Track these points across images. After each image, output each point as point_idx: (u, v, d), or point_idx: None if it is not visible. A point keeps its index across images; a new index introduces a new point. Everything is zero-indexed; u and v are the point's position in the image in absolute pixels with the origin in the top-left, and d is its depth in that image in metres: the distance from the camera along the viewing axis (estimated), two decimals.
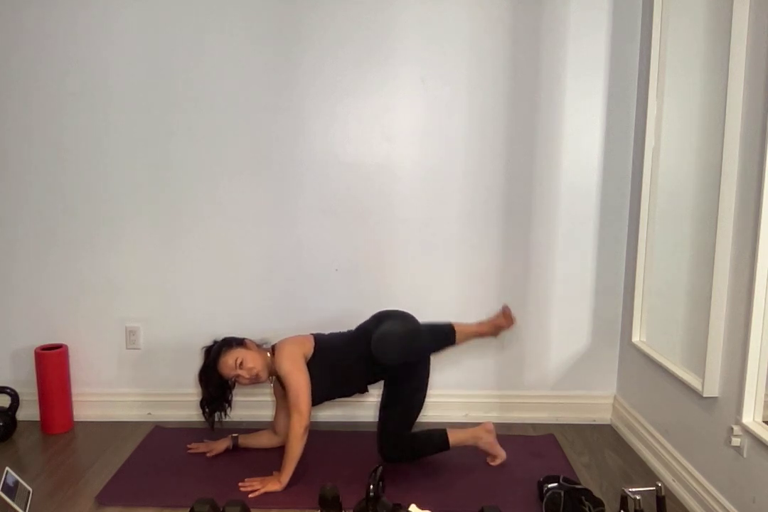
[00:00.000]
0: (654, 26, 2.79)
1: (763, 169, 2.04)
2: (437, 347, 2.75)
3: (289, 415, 2.57)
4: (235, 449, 2.85)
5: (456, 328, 2.69)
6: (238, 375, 2.63)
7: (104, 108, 3.05)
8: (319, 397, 2.66)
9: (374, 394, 2.93)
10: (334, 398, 2.77)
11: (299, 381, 2.55)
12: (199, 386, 2.73)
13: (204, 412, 2.73)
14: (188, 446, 2.88)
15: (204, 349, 2.73)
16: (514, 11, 2.99)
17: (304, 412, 2.52)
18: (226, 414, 2.75)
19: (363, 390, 2.77)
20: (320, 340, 2.71)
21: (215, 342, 2.72)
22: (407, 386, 2.70)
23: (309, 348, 2.67)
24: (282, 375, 2.59)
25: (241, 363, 2.61)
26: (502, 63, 3.02)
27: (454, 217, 3.12)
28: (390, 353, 2.54)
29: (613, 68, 3.03)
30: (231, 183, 3.10)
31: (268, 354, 2.67)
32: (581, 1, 2.98)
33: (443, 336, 2.70)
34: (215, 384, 2.67)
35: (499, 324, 2.75)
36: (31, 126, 3.06)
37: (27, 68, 3.02)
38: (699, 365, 2.39)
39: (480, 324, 2.77)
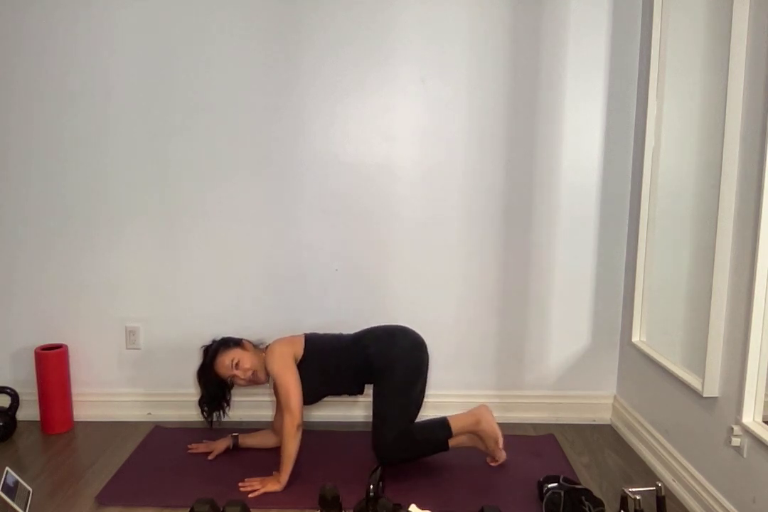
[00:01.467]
0: (654, 26, 2.79)
1: (763, 169, 2.04)
2: (438, 446, 2.70)
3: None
4: (235, 448, 2.85)
5: (452, 431, 2.66)
6: (234, 376, 2.63)
7: (104, 108, 3.05)
8: (311, 397, 2.66)
9: (373, 394, 2.92)
10: (327, 395, 2.76)
11: (288, 381, 2.56)
12: (197, 385, 2.73)
13: (203, 411, 2.73)
14: (188, 446, 2.88)
15: (203, 348, 2.73)
16: (514, 11, 2.99)
17: (295, 411, 2.52)
18: (224, 414, 2.76)
19: (359, 392, 2.76)
20: (311, 342, 2.71)
21: (214, 341, 2.72)
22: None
23: (299, 348, 2.67)
24: (272, 375, 2.61)
25: (237, 364, 2.62)
26: (502, 63, 3.02)
27: (454, 217, 3.12)
28: (388, 460, 2.62)
29: (613, 68, 3.03)
30: (231, 183, 3.10)
31: (264, 355, 2.67)
32: (581, 1, 2.98)
33: (439, 445, 2.68)
34: (213, 384, 2.68)
35: (486, 444, 2.71)
36: (31, 126, 3.06)
37: (27, 68, 3.02)
38: (699, 365, 2.39)
39: (476, 423, 2.68)
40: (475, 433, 2.69)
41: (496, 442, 2.68)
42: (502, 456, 2.74)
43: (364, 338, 2.74)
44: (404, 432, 2.62)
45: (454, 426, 2.66)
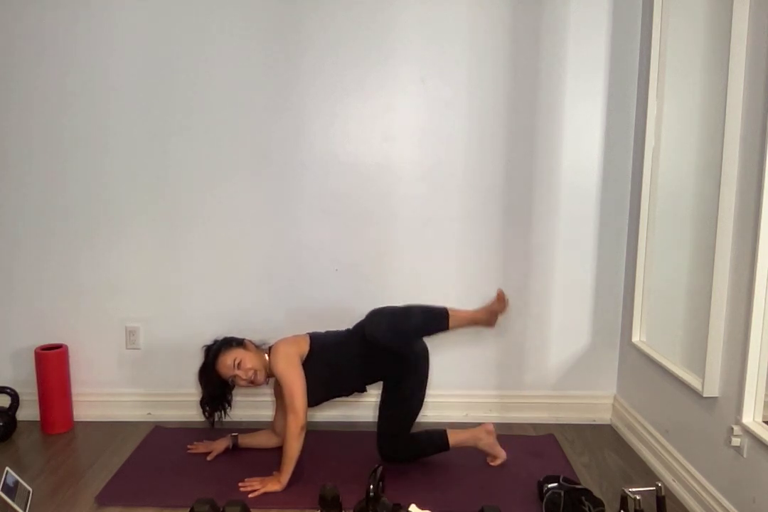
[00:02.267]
0: (654, 26, 2.79)
1: (763, 169, 2.04)
2: (429, 328, 2.67)
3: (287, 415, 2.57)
4: (235, 448, 2.85)
5: (450, 312, 2.63)
6: (235, 376, 2.63)
7: (104, 108, 3.05)
8: (316, 397, 2.66)
9: (373, 394, 2.93)
10: (331, 398, 2.76)
11: (294, 381, 2.55)
12: (198, 385, 2.73)
13: (204, 411, 2.73)
14: (188, 446, 2.88)
15: (204, 348, 2.73)
16: (514, 11, 2.99)
17: (299, 412, 2.52)
18: (225, 414, 2.75)
19: (361, 389, 2.77)
20: (316, 340, 2.71)
21: (216, 341, 2.72)
22: (406, 385, 2.70)
23: (305, 348, 2.67)
24: (277, 376, 2.60)
25: (239, 364, 2.61)
26: (502, 63, 3.02)
27: (454, 217, 3.12)
28: (381, 330, 2.57)
29: (613, 68, 3.03)
30: (231, 183, 3.10)
31: (266, 356, 2.67)
32: (581, 1, 2.98)
33: (435, 317, 2.63)
34: (214, 384, 2.67)
35: (494, 309, 2.70)
36: (31, 126, 3.06)
37: (27, 68, 3.02)
38: (699, 365, 2.39)
39: (475, 310, 2.71)
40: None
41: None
42: (503, 455, 2.74)
43: (360, 325, 2.75)
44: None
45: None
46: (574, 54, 3.01)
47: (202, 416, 2.75)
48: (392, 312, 2.63)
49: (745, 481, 2.15)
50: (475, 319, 2.71)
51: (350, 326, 2.83)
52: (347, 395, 2.80)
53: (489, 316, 2.71)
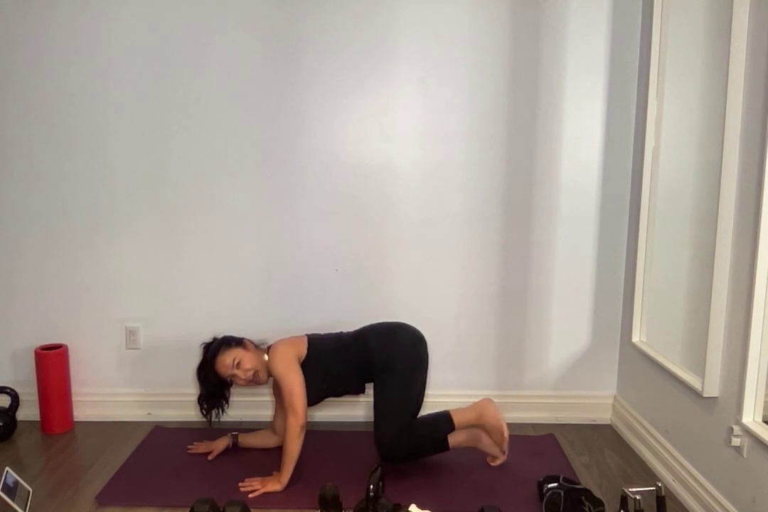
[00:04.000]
0: (654, 26, 2.79)
1: (763, 169, 2.04)
2: (439, 444, 2.70)
3: (287, 415, 2.57)
4: (235, 448, 2.85)
5: (455, 423, 2.66)
6: (234, 375, 2.63)
7: (104, 108, 3.05)
8: (314, 397, 2.67)
9: (373, 394, 2.92)
10: (330, 397, 2.77)
11: (293, 382, 2.56)
12: (197, 382, 2.73)
13: (202, 409, 2.73)
14: (188, 446, 2.88)
15: (203, 346, 2.73)
16: (514, 11, 2.99)
17: (299, 412, 2.52)
18: (223, 412, 2.76)
19: (360, 390, 2.77)
20: (314, 342, 2.71)
21: (215, 339, 2.72)
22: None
23: (303, 349, 2.67)
24: (276, 376, 2.60)
25: (238, 364, 2.62)
26: (502, 63, 3.02)
27: (454, 217, 3.12)
28: (399, 458, 2.65)
29: (613, 68, 3.03)
30: (231, 183, 3.10)
31: (265, 356, 2.67)
32: (581, 1, 2.98)
33: (440, 444, 2.68)
34: (212, 382, 2.68)
35: (492, 436, 2.69)
36: (32, 126, 3.06)
37: (27, 68, 3.02)
38: (699, 365, 2.39)
39: (479, 417, 2.67)
40: (480, 426, 2.69)
41: (501, 434, 2.67)
42: (504, 449, 2.74)
43: (364, 334, 2.75)
44: (404, 429, 2.62)
45: (457, 419, 2.66)
46: (574, 54, 3.01)
47: (200, 413, 2.75)
48: (395, 434, 2.61)
49: (745, 481, 2.15)
50: (479, 425, 2.70)
51: (350, 326, 2.83)
52: (346, 395, 2.80)
53: (490, 434, 2.70)
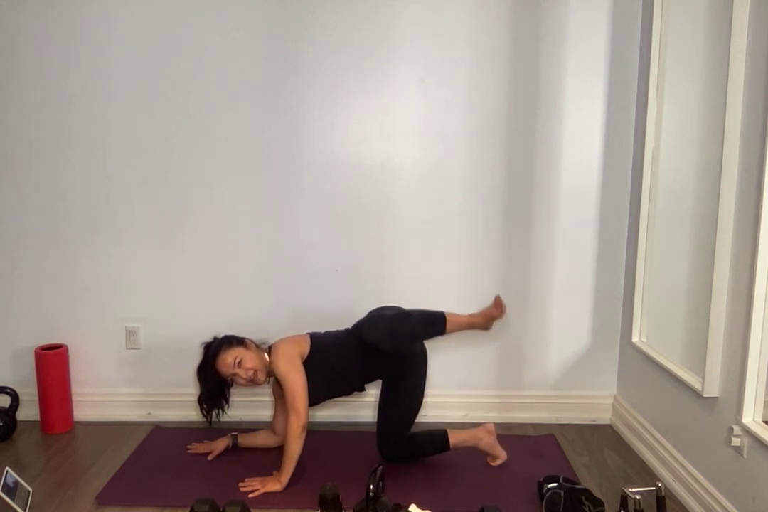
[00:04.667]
0: (654, 26, 2.79)
1: (763, 169, 2.04)
2: (426, 332, 2.68)
3: (287, 415, 2.57)
4: (235, 448, 2.85)
5: (447, 317, 2.64)
6: (235, 375, 2.63)
7: (104, 108, 3.05)
8: (316, 397, 2.66)
9: (373, 394, 2.93)
10: (331, 397, 2.77)
11: (296, 381, 2.55)
12: (197, 382, 2.73)
13: (202, 409, 2.73)
14: (188, 447, 2.88)
15: (203, 345, 2.73)
16: (514, 11, 2.99)
17: (301, 411, 2.52)
18: (224, 412, 2.75)
19: (360, 389, 2.77)
20: (316, 340, 2.71)
21: (215, 338, 2.72)
22: (405, 385, 2.70)
23: (305, 347, 2.67)
24: (279, 375, 2.60)
25: (239, 363, 2.61)
26: (502, 63, 3.02)
27: (454, 217, 3.12)
28: (379, 334, 2.56)
29: (613, 68, 3.02)
30: (231, 183, 3.10)
31: (266, 355, 2.67)
32: (581, 1, 2.98)
33: (433, 322, 2.63)
34: (213, 381, 2.67)
35: (491, 314, 2.69)
36: (31, 126, 3.06)
37: (27, 68, 3.02)
38: (699, 365, 2.39)
39: (472, 315, 2.71)
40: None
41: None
42: (503, 456, 2.74)
43: (359, 324, 2.74)
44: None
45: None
46: (574, 54, 3.01)
47: (200, 413, 2.74)
48: (390, 318, 2.60)
49: (745, 481, 2.15)
50: (471, 323, 2.70)
51: (349, 326, 2.83)
52: (347, 394, 2.80)
53: (485, 321, 2.71)
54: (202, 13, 2.99)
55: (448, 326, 2.64)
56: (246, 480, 2.58)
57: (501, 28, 3.00)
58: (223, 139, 3.07)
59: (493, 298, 2.70)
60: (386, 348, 2.60)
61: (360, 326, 2.70)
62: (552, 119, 3.05)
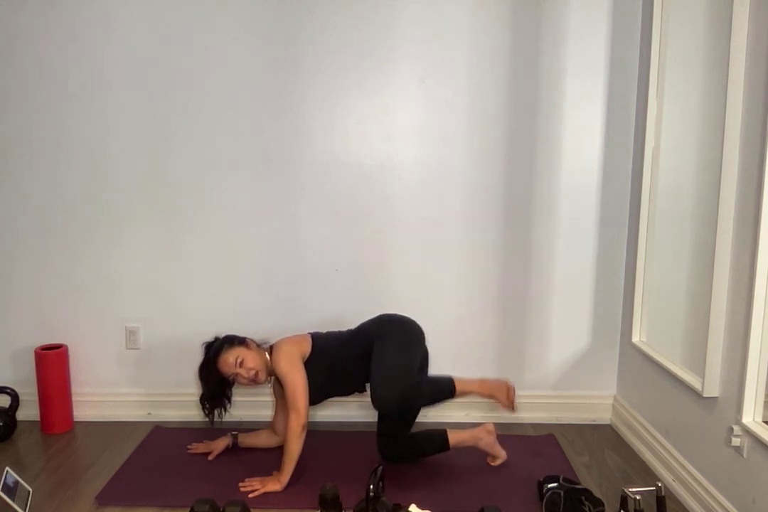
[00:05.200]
0: (654, 26, 2.79)
1: (763, 169, 2.04)
2: (433, 403, 2.73)
3: (288, 415, 2.57)
4: (235, 447, 2.85)
5: (456, 384, 2.65)
6: (236, 374, 2.63)
7: (104, 108, 3.05)
8: (317, 396, 2.67)
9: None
10: (332, 397, 2.77)
11: (296, 381, 2.55)
12: (199, 382, 2.73)
13: (204, 408, 2.73)
14: (188, 446, 2.88)
15: (204, 345, 2.73)
16: (514, 11, 2.99)
17: (301, 411, 2.52)
18: (226, 411, 2.75)
19: (361, 389, 2.77)
20: (318, 340, 2.72)
21: (216, 338, 2.72)
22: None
23: (306, 347, 2.67)
24: (279, 375, 2.60)
25: (241, 362, 2.61)
26: (502, 63, 3.02)
27: (454, 217, 3.12)
28: (391, 406, 2.55)
29: (613, 68, 3.02)
30: (231, 183, 3.10)
31: (267, 355, 2.67)
32: (581, 1, 2.98)
33: (441, 393, 2.66)
34: (215, 381, 2.67)
35: (498, 398, 2.68)
36: (32, 126, 3.06)
37: (27, 69, 3.02)
38: (699, 365, 2.39)
39: (481, 383, 2.68)
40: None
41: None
42: (503, 455, 2.74)
43: (364, 326, 2.76)
44: (407, 389, 2.56)
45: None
46: (574, 54, 3.01)
47: (202, 413, 2.75)
48: (401, 391, 2.52)
49: (745, 481, 2.15)
50: (478, 393, 2.71)
51: (351, 326, 2.83)
52: (348, 394, 2.80)
53: (490, 397, 2.70)
54: (202, 13, 2.99)
55: (457, 394, 2.67)
56: (246, 480, 2.58)
57: (501, 28, 3.00)
58: (223, 139, 3.07)
59: (508, 386, 2.69)
60: (391, 413, 2.64)
61: (365, 332, 2.72)
62: (552, 119, 3.05)
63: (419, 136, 3.07)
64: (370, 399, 2.57)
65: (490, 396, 2.69)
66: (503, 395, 2.67)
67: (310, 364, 2.64)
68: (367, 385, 2.76)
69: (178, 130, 3.06)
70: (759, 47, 2.10)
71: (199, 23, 3.00)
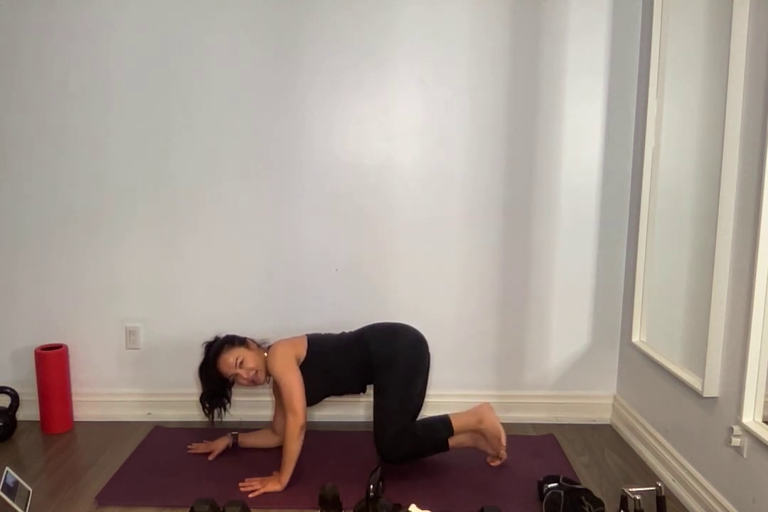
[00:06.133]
0: (654, 26, 2.79)
1: (763, 169, 2.04)
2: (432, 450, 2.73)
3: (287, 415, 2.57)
4: (235, 447, 2.85)
5: (454, 429, 2.67)
6: (236, 374, 2.63)
7: (104, 108, 3.05)
8: (314, 397, 2.67)
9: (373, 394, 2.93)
10: (330, 396, 2.77)
11: (292, 382, 2.56)
12: (198, 381, 2.73)
13: (203, 408, 2.73)
14: (188, 446, 2.88)
15: (205, 344, 2.73)
16: (514, 11, 2.99)
17: (298, 412, 2.52)
18: (225, 411, 2.76)
19: (361, 390, 2.77)
20: (314, 342, 2.71)
21: (217, 338, 2.72)
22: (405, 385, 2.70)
23: (302, 350, 2.67)
24: (275, 377, 2.61)
25: (241, 363, 2.62)
26: (502, 63, 3.02)
27: (454, 217, 3.12)
28: (393, 454, 2.60)
29: (613, 68, 3.03)
30: (231, 183, 3.10)
31: (265, 355, 2.68)
32: (581, 1, 2.98)
33: (440, 445, 2.68)
34: (215, 381, 2.68)
35: (490, 443, 2.70)
36: (32, 126, 3.06)
37: (27, 69, 3.02)
38: (699, 365, 2.39)
39: (478, 422, 2.68)
40: (478, 432, 2.69)
41: (500, 440, 2.68)
42: (503, 455, 2.74)
43: (365, 335, 2.75)
44: (405, 428, 2.62)
45: (456, 424, 2.66)
46: (574, 54, 3.01)
47: (202, 412, 2.75)
48: (409, 447, 2.59)
49: (745, 481, 2.15)
50: (474, 437, 2.74)
51: (350, 327, 2.83)
52: (347, 394, 2.80)
53: (483, 436, 2.72)
54: (202, 13, 2.99)
55: (451, 444, 2.69)
56: (246, 480, 2.58)
57: (501, 28, 3.00)
58: (223, 139, 3.07)
59: (502, 439, 2.68)
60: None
61: (363, 340, 2.72)
62: (552, 119, 3.05)
63: (419, 136, 3.07)
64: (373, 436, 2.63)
65: (481, 434, 2.71)
66: (498, 445, 2.70)
67: (306, 366, 2.64)
68: (368, 386, 2.77)
69: (178, 130, 3.06)
70: (759, 47, 2.10)
71: (199, 23, 3.00)
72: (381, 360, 2.67)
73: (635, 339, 2.99)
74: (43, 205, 3.11)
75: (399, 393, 2.65)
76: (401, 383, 2.66)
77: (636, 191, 3.02)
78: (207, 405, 2.72)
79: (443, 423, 2.66)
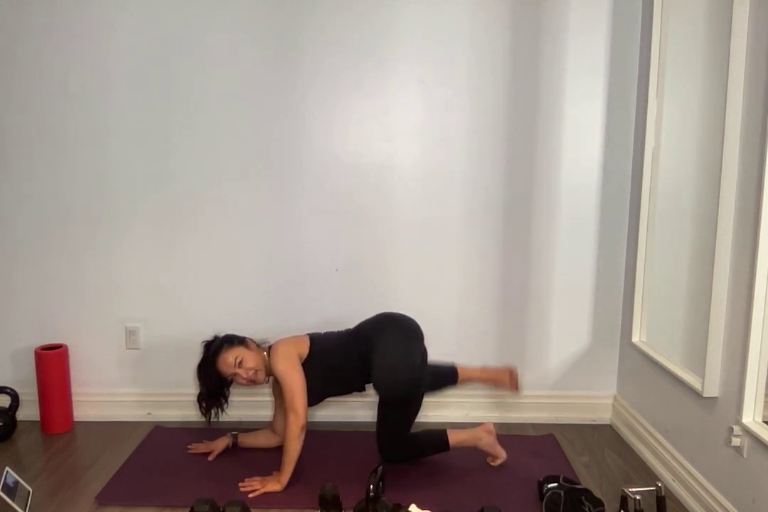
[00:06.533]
0: (654, 26, 2.79)
1: (763, 169, 2.04)
2: (436, 389, 2.76)
3: (287, 415, 2.57)
4: (235, 447, 2.85)
5: (459, 372, 2.70)
6: (236, 374, 2.63)
7: (104, 108, 3.05)
8: (315, 397, 2.67)
9: (373, 394, 2.92)
10: (331, 396, 2.77)
11: (294, 381, 2.55)
12: (197, 380, 2.73)
13: (201, 407, 2.73)
14: (188, 446, 2.88)
15: (204, 344, 2.73)
16: (514, 11, 2.99)
17: (300, 412, 2.52)
18: (223, 411, 2.75)
19: (360, 389, 2.77)
20: (316, 341, 2.71)
21: (216, 337, 2.72)
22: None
23: (304, 348, 2.67)
24: (277, 376, 2.60)
25: (240, 362, 2.61)
26: (502, 63, 3.02)
27: (454, 217, 3.12)
28: (390, 392, 2.55)
29: (613, 68, 3.02)
30: (231, 183, 3.10)
31: (266, 355, 2.67)
32: (581, 1, 2.98)
33: (444, 381, 2.71)
34: (213, 380, 2.68)
35: (501, 382, 2.74)
36: (32, 126, 3.06)
37: (27, 69, 3.02)
38: (699, 365, 2.39)
39: (483, 370, 2.76)
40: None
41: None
42: (503, 455, 2.74)
43: (363, 325, 2.76)
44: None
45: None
46: (574, 54, 3.01)
47: (199, 412, 2.74)
48: (402, 381, 2.53)
49: (745, 481, 2.15)
50: (481, 379, 2.79)
51: (350, 326, 2.83)
52: (347, 394, 2.80)
53: (494, 382, 2.76)
54: (202, 13, 2.99)
55: (459, 379, 2.74)
56: (246, 480, 2.58)
57: (501, 28, 3.00)
58: (223, 139, 3.07)
59: (511, 370, 2.74)
60: (395, 397, 2.62)
61: (364, 331, 2.71)
62: (552, 119, 3.05)
63: (419, 136, 3.07)
64: (372, 386, 2.58)
65: (494, 381, 2.72)
66: (506, 378, 2.70)
67: (308, 365, 2.64)
68: (367, 385, 2.77)
69: (178, 130, 3.06)
70: (759, 47, 2.10)
71: (199, 23, 3.00)
72: (375, 333, 2.69)
73: (635, 339, 2.99)
74: (43, 205, 3.11)
75: (397, 344, 2.65)
76: (397, 339, 2.66)
77: (636, 191, 3.02)
78: (204, 404, 2.72)
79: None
